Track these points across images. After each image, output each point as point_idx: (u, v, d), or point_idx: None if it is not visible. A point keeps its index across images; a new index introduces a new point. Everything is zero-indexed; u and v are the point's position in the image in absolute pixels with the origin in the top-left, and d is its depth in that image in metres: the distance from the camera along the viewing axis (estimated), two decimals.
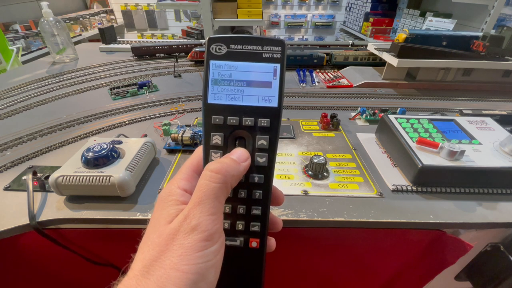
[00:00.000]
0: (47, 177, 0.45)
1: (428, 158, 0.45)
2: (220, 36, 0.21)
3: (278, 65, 0.21)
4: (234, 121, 0.21)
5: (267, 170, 0.22)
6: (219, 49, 0.21)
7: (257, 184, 0.22)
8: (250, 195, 0.22)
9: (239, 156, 0.21)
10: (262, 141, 0.22)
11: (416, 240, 0.45)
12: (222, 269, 0.19)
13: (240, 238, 0.23)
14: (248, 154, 0.21)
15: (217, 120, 0.22)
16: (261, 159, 0.22)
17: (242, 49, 0.21)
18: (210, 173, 0.19)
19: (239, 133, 0.22)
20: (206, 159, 0.22)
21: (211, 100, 0.22)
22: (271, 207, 0.23)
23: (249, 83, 0.21)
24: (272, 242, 0.25)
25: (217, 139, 0.22)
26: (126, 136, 0.54)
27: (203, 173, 0.20)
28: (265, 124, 0.21)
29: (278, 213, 0.41)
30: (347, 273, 0.52)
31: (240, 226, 0.23)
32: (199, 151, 0.23)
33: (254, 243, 0.23)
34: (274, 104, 0.21)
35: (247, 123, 0.21)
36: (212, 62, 0.21)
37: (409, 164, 0.47)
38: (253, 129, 0.22)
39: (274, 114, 0.21)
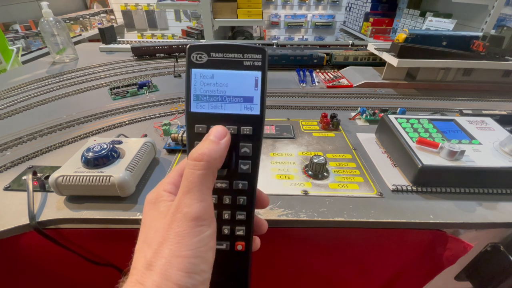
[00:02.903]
0: (47, 177, 0.45)
1: (428, 158, 0.45)
2: (200, 44, 0.21)
3: (259, 73, 0.21)
4: None
5: (251, 177, 0.22)
6: (200, 57, 0.21)
7: (241, 190, 0.22)
8: (234, 201, 0.23)
9: (216, 134, 0.20)
10: (245, 149, 0.22)
11: (416, 240, 0.45)
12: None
13: (226, 242, 0.23)
14: (226, 129, 0.21)
15: (200, 129, 0.22)
16: (245, 166, 0.22)
17: (223, 57, 0.21)
18: (193, 162, 0.19)
19: None
20: None
21: (194, 109, 0.22)
22: (258, 210, 0.23)
23: (231, 91, 0.21)
24: (257, 242, 0.25)
25: None
26: (126, 136, 0.54)
27: (187, 163, 0.20)
28: (248, 132, 0.22)
29: (278, 213, 0.41)
30: (347, 273, 0.52)
31: (225, 230, 0.23)
32: None
33: (239, 246, 0.23)
34: (256, 112, 0.22)
35: (230, 131, 0.22)
36: (193, 70, 0.21)
37: (409, 164, 0.47)
38: (236, 137, 0.22)
39: (256, 121, 0.22)
